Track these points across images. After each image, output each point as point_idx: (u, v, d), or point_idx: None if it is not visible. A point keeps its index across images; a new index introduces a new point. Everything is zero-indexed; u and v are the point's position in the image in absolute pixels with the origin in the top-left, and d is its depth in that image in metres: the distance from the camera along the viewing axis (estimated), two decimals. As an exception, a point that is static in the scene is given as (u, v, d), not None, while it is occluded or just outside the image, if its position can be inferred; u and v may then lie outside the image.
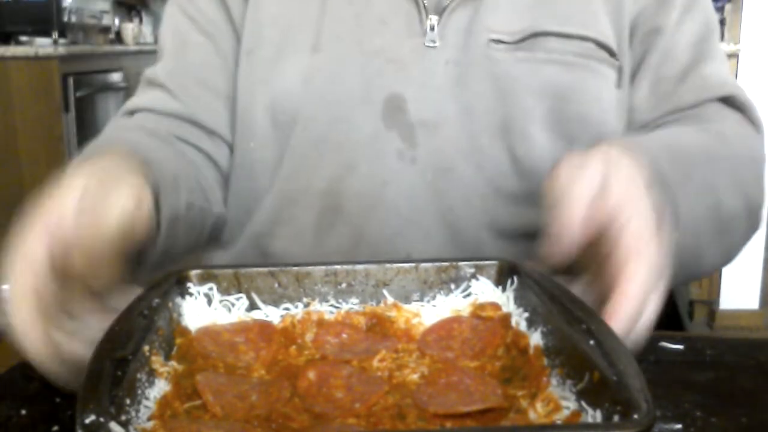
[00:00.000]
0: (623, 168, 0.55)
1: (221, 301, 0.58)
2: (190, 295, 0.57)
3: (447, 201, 0.77)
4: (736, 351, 0.62)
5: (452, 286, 0.60)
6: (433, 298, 0.60)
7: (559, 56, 0.77)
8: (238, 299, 0.59)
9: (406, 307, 0.59)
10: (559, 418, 0.45)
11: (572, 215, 0.54)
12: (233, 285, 0.59)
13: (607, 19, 0.79)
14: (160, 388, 0.48)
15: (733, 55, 2.89)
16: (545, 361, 0.50)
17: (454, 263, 0.61)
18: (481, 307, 0.58)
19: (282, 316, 0.58)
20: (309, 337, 0.56)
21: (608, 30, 0.79)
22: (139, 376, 0.46)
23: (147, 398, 0.46)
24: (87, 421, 0.38)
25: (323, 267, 0.60)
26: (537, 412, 0.46)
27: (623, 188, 0.54)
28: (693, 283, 2.98)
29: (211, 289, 0.58)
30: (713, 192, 0.68)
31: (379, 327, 0.57)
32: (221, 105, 0.84)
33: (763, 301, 3.12)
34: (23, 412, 0.52)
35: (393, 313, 0.58)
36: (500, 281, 0.60)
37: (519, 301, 0.57)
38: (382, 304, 0.59)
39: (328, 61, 0.79)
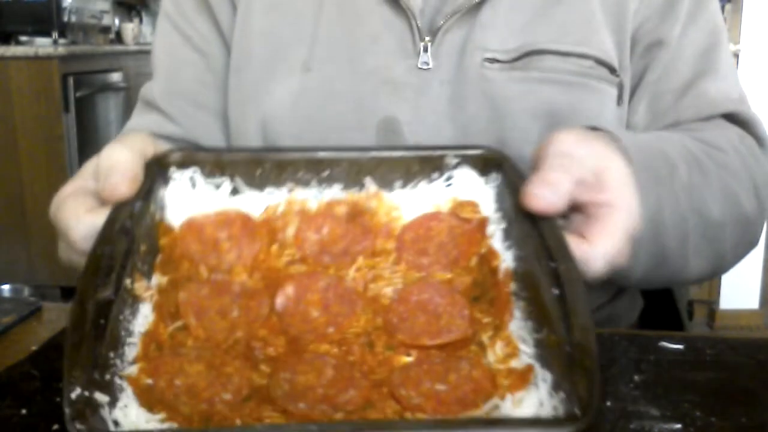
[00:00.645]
0: (618, 155, 0.55)
1: (205, 184, 0.58)
2: (174, 180, 0.57)
3: None
4: (736, 351, 0.62)
5: (435, 175, 0.60)
6: (416, 186, 0.59)
7: (555, 75, 0.74)
8: (221, 183, 0.58)
9: (387, 196, 0.59)
10: (515, 364, 0.46)
11: (572, 172, 0.52)
12: (216, 169, 0.59)
13: (608, 33, 0.75)
14: (144, 316, 0.49)
15: (733, 55, 2.90)
16: (512, 286, 0.51)
17: (440, 152, 0.60)
18: (461, 205, 0.58)
19: (265, 205, 0.58)
20: (291, 231, 0.57)
21: (609, 45, 0.75)
22: (122, 317, 0.47)
23: (131, 335, 0.47)
24: (73, 396, 0.39)
25: (307, 153, 0.60)
26: (495, 354, 0.48)
27: (617, 175, 0.53)
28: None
29: (195, 172, 0.58)
30: (700, 195, 0.67)
31: (359, 219, 0.58)
32: (217, 123, 0.83)
33: (763, 301, 3.12)
34: (23, 411, 0.52)
35: (374, 204, 0.58)
36: (485, 172, 0.59)
37: (499, 201, 0.57)
38: (364, 192, 0.59)
39: (320, 82, 0.76)
